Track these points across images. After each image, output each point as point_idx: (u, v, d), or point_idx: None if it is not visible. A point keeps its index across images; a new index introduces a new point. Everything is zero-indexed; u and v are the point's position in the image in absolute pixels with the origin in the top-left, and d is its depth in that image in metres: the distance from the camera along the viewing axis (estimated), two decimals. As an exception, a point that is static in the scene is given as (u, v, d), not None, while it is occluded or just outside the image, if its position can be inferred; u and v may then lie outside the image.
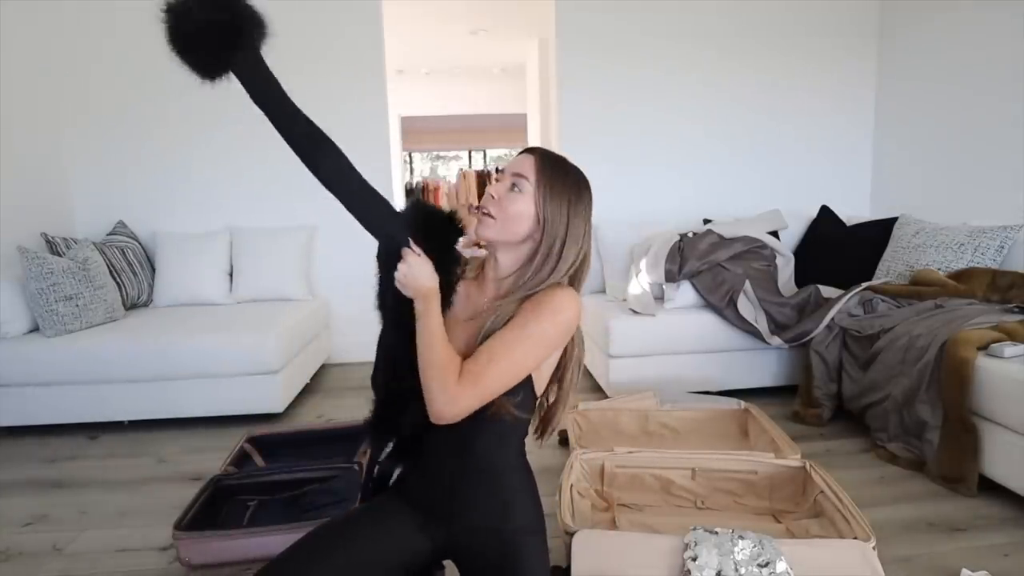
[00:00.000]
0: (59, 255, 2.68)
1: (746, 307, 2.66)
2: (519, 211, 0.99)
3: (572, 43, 3.43)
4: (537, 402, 1.06)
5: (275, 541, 1.59)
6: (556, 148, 3.58)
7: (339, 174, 0.99)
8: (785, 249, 3.02)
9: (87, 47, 3.13)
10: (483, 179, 9.10)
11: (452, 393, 0.91)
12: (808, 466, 1.69)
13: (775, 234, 3.12)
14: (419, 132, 9.16)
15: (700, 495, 1.76)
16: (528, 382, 1.00)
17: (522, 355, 0.95)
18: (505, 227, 1.00)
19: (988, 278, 2.39)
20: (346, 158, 1.00)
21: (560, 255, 1.01)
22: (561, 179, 1.02)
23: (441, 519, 1.05)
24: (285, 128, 0.99)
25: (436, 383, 0.92)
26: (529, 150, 1.05)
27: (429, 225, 1.01)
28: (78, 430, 2.54)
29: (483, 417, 0.97)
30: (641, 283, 2.85)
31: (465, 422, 0.97)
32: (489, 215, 1.00)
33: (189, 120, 3.24)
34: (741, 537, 1.21)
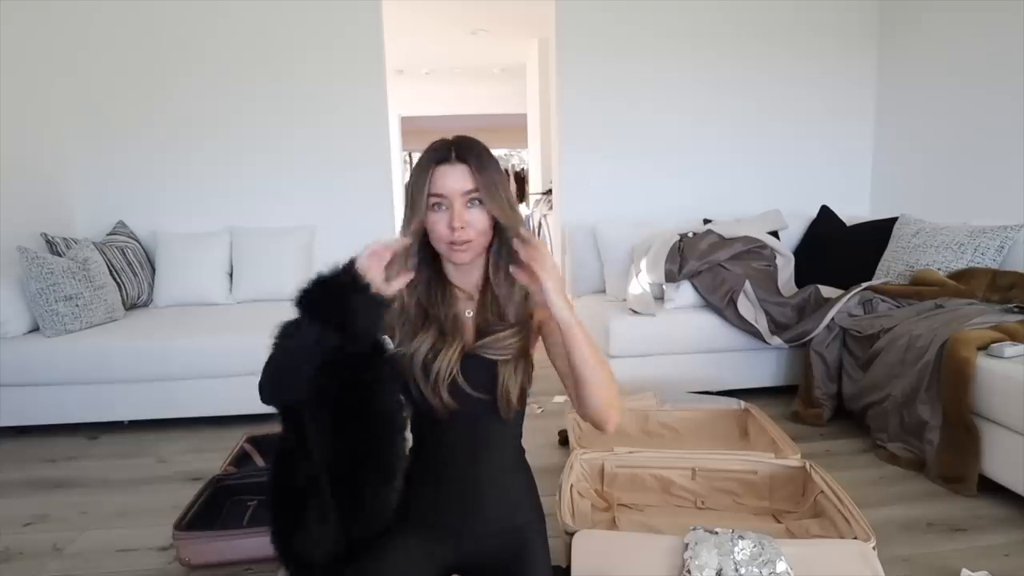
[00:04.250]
0: (59, 255, 2.68)
1: (746, 307, 2.66)
2: (486, 221, 0.98)
3: (572, 43, 3.43)
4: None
5: (275, 541, 1.59)
6: (556, 148, 3.59)
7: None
8: (785, 249, 3.02)
9: (87, 47, 3.12)
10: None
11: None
12: (808, 466, 1.69)
13: (775, 234, 3.12)
14: (419, 132, 9.14)
15: (700, 495, 1.76)
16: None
17: None
18: (482, 242, 0.99)
19: (988, 278, 2.39)
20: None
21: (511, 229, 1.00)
22: (489, 164, 0.98)
23: (452, 536, 1.05)
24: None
25: (615, 393, 0.97)
26: (446, 158, 0.97)
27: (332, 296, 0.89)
28: (78, 430, 2.54)
29: (495, 425, 1.00)
30: (641, 283, 2.85)
31: (480, 434, 1.00)
32: (469, 241, 0.97)
33: (189, 120, 3.25)
34: (741, 537, 1.21)
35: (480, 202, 0.97)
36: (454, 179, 0.96)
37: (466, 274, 1.05)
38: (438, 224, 0.97)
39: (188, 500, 1.73)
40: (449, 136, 1.01)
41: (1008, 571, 1.53)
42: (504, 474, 1.08)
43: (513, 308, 1.02)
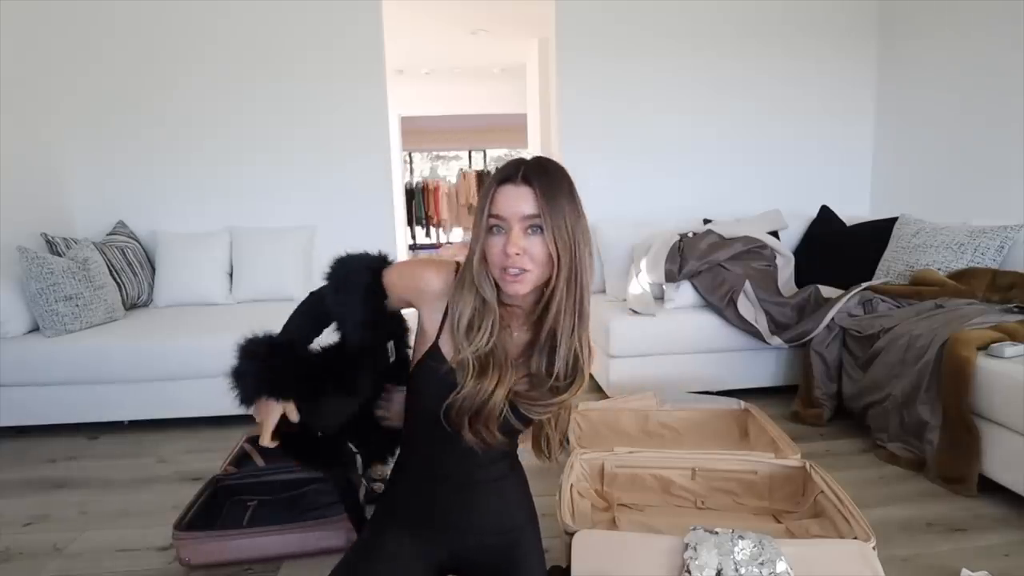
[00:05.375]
0: (59, 255, 2.68)
1: (746, 307, 2.66)
2: (547, 252, 0.90)
3: (572, 43, 3.43)
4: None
5: (275, 541, 1.59)
6: (556, 148, 3.58)
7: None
8: (785, 249, 3.02)
9: (87, 46, 3.12)
10: (483, 180, 9.09)
11: None
12: (808, 466, 1.69)
13: (775, 234, 3.12)
14: (419, 132, 9.15)
15: (700, 495, 1.76)
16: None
17: None
18: (540, 274, 0.92)
19: (988, 278, 2.39)
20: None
21: (576, 271, 0.92)
22: (558, 193, 0.90)
23: (445, 538, 1.06)
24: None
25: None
26: (511, 178, 0.91)
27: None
28: (78, 430, 2.54)
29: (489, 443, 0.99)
30: (641, 283, 2.85)
31: (471, 448, 0.98)
32: (524, 271, 0.90)
33: (189, 120, 3.25)
34: (741, 537, 1.21)
35: (541, 231, 0.89)
36: (515, 201, 0.89)
37: (517, 304, 0.98)
38: (494, 248, 0.91)
39: (188, 500, 1.73)
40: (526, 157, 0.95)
41: (1008, 571, 1.53)
42: (496, 474, 1.08)
43: (563, 358, 0.96)
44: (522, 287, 0.91)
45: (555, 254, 0.90)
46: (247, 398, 1.01)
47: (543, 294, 0.95)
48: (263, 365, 1.01)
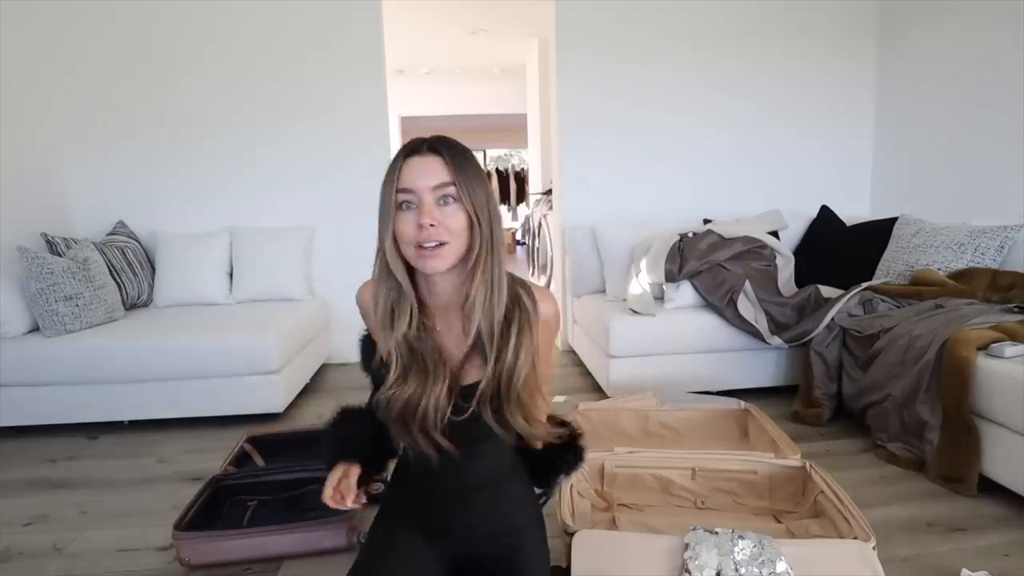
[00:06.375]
0: (59, 255, 2.68)
1: (746, 307, 2.66)
2: (462, 222, 0.86)
3: (572, 43, 3.43)
4: None
5: (275, 541, 1.59)
6: (556, 148, 3.59)
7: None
8: (785, 249, 3.02)
9: (87, 46, 3.12)
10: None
11: None
12: (808, 466, 1.69)
13: (775, 234, 3.12)
14: (419, 132, 9.13)
15: (700, 495, 1.76)
16: None
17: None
18: (457, 247, 0.87)
19: (988, 278, 2.39)
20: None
21: (493, 238, 0.89)
22: (467, 162, 0.88)
23: (448, 538, 1.05)
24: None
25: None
26: (417, 150, 0.88)
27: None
28: (78, 430, 2.54)
29: (487, 429, 0.97)
30: (641, 283, 2.85)
31: (467, 443, 0.97)
32: (442, 244, 0.85)
33: (189, 120, 3.24)
34: (741, 537, 1.21)
35: (455, 200, 0.85)
36: (425, 171, 0.85)
37: (439, 292, 0.93)
38: (405, 224, 0.86)
39: (188, 500, 1.73)
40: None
41: (1008, 571, 1.53)
42: (498, 476, 1.07)
43: (487, 329, 0.90)
44: (441, 262, 0.86)
45: (475, 219, 0.86)
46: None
47: (465, 272, 0.90)
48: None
